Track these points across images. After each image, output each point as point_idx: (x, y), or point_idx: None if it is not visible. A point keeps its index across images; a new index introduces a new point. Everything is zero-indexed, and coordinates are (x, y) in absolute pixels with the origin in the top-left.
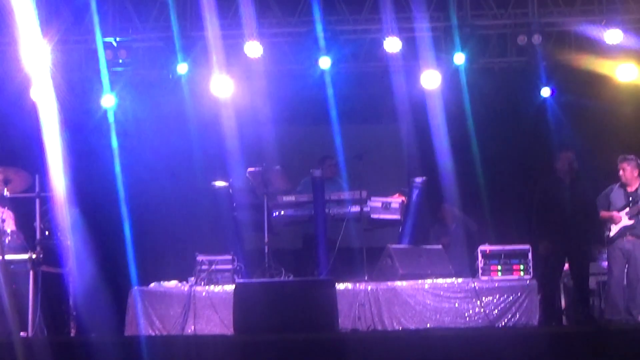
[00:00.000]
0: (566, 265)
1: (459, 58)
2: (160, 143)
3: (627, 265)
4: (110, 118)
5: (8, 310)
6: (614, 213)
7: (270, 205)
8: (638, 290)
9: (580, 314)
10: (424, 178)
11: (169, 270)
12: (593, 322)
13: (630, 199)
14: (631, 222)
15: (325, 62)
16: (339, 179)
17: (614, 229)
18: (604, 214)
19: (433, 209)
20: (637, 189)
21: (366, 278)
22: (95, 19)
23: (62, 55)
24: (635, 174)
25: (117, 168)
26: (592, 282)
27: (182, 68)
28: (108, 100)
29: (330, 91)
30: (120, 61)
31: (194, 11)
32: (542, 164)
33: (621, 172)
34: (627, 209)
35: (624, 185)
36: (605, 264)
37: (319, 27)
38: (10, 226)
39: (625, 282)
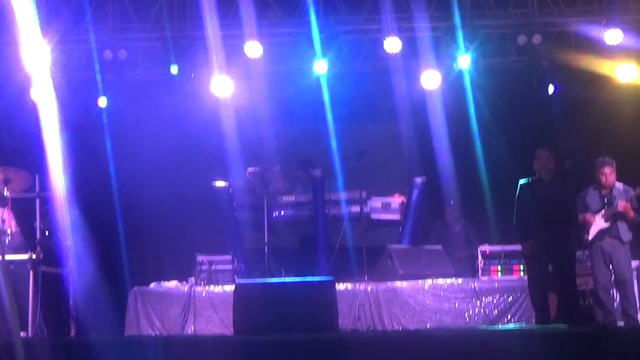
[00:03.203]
0: None
1: (464, 61)
2: (160, 143)
3: (611, 267)
4: (104, 118)
5: (8, 310)
6: (588, 215)
7: (270, 205)
8: (628, 290)
9: (575, 314)
10: (424, 178)
11: (169, 270)
12: (593, 322)
13: (605, 200)
14: (607, 224)
15: (320, 67)
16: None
17: (592, 232)
18: (580, 217)
19: (433, 209)
20: (611, 191)
21: (366, 278)
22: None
23: (62, 55)
24: (614, 177)
25: (114, 168)
26: (590, 284)
27: (173, 69)
28: (103, 101)
29: (330, 91)
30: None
31: (194, 11)
32: None
33: (604, 178)
34: (603, 212)
35: (598, 188)
36: (588, 264)
37: (318, 29)
38: (11, 226)
39: (612, 284)
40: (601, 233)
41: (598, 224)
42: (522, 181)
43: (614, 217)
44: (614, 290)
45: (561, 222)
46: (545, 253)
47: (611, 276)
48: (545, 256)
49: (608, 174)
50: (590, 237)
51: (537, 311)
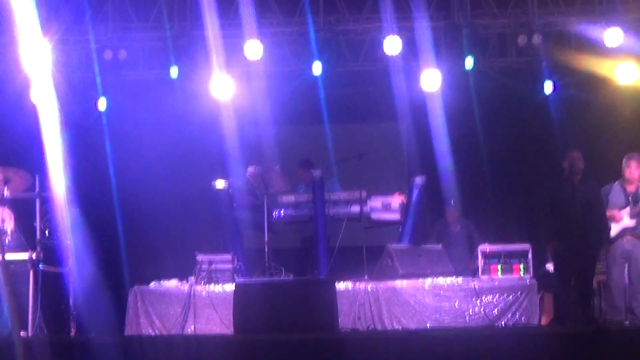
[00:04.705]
0: None
1: (468, 62)
2: (160, 143)
3: (627, 266)
4: (104, 119)
5: (8, 310)
6: (615, 212)
7: (270, 205)
8: None
9: (580, 314)
10: (424, 178)
11: (168, 269)
12: (593, 322)
13: (630, 198)
14: (632, 222)
15: (318, 67)
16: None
17: (615, 229)
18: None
19: (433, 208)
20: (637, 189)
21: (366, 278)
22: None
23: (62, 55)
24: (639, 173)
25: (114, 168)
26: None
27: (174, 71)
28: (102, 103)
29: (330, 91)
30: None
31: (194, 11)
32: (541, 164)
33: (629, 170)
34: (628, 209)
35: (623, 184)
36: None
37: (317, 28)
38: (10, 226)
39: (626, 282)
40: (624, 231)
41: (623, 221)
42: (550, 181)
43: (638, 216)
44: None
45: (589, 222)
46: (572, 252)
47: (625, 275)
48: (571, 256)
49: (634, 167)
50: (612, 234)
51: (557, 310)
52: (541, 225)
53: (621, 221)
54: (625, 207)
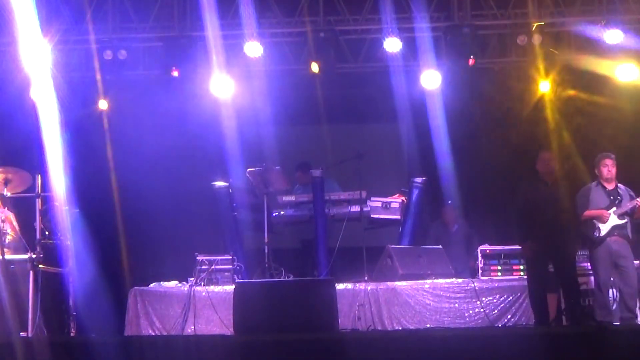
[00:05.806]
0: None
1: (470, 62)
2: (160, 143)
3: (616, 266)
4: (104, 118)
5: (8, 310)
6: (603, 212)
7: (270, 205)
8: (633, 290)
9: (576, 315)
10: (424, 178)
11: (168, 270)
12: (593, 322)
13: (612, 197)
14: (621, 221)
15: (318, 67)
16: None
17: (604, 228)
18: (591, 212)
19: (433, 209)
20: (616, 187)
21: (366, 278)
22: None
23: (62, 55)
24: (615, 171)
25: (114, 168)
26: (591, 283)
27: (174, 72)
28: (103, 104)
29: (330, 91)
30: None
31: (194, 11)
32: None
33: (606, 169)
34: (614, 209)
35: (601, 184)
36: (585, 264)
37: (317, 28)
38: (10, 226)
39: (614, 282)
40: (612, 230)
41: (611, 220)
42: (523, 182)
43: (625, 214)
44: (614, 290)
45: (563, 222)
46: (545, 253)
47: (612, 275)
48: (545, 256)
49: (610, 165)
50: (602, 234)
51: (536, 312)
52: (516, 226)
53: (608, 220)
54: (609, 206)
